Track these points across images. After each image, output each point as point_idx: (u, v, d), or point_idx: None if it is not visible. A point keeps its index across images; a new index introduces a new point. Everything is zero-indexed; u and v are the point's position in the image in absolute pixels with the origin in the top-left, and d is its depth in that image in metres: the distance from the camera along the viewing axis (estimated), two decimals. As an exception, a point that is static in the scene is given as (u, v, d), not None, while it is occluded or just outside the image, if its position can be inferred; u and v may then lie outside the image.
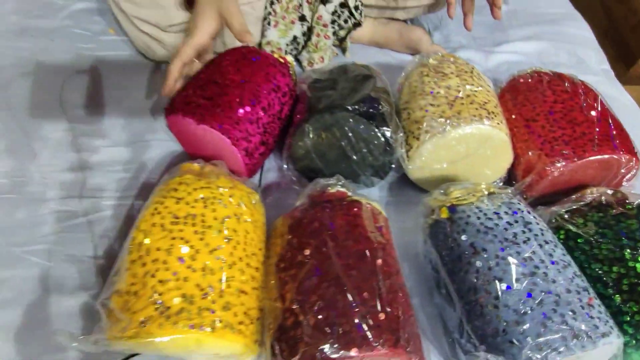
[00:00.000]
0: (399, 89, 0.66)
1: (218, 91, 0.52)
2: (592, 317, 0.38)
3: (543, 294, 0.39)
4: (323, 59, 0.80)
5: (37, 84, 0.73)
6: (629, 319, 0.42)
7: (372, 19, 0.85)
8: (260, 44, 0.76)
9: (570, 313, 0.38)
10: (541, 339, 0.36)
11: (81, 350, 0.33)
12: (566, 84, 0.60)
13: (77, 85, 0.73)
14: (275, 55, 0.63)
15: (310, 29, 0.77)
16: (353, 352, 0.34)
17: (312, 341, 0.34)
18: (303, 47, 0.79)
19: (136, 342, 0.34)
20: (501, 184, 0.61)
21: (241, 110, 0.51)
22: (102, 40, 0.83)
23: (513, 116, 0.61)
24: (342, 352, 0.33)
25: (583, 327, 0.37)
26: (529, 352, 0.36)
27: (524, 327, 0.37)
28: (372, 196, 0.63)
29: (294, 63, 0.67)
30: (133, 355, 0.39)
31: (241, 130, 0.51)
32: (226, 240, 0.40)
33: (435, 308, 0.50)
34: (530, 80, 0.63)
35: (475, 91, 0.57)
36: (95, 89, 0.74)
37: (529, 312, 0.38)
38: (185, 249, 0.38)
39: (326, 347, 0.33)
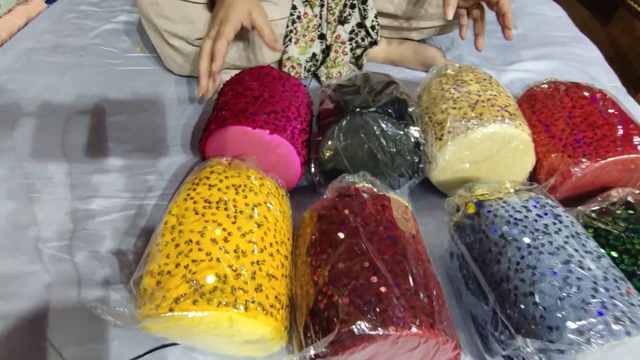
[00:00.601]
0: (417, 98, 0.68)
1: (276, 106, 0.53)
2: (632, 305, 0.37)
3: (580, 280, 0.38)
4: (340, 74, 0.83)
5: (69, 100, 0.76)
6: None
7: (387, 39, 0.89)
8: (281, 60, 0.80)
9: (610, 299, 0.37)
10: (582, 322, 0.35)
11: (116, 325, 0.32)
12: (584, 92, 0.61)
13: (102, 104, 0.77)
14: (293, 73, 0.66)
15: (328, 47, 0.81)
16: (391, 331, 0.33)
17: (349, 318, 0.33)
18: (321, 63, 0.82)
19: (170, 318, 0.33)
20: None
21: (299, 124, 0.53)
22: (129, 57, 0.87)
23: (532, 122, 0.62)
24: (379, 329, 0.32)
25: (626, 312, 0.36)
26: (570, 335, 0.35)
27: (563, 312, 0.36)
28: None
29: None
30: (166, 345, 0.39)
31: (298, 144, 0.53)
32: (257, 225, 0.40)
33: (465, 307, 0.49)
34: (547, 89, 0.65)
35: (495, 95, 0.58)
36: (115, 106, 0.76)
37: (567, 297, 0.37)
38: (218, 232, 0.38)
39: (363, 324, 0.33)
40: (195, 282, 0.34)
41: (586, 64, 0.91)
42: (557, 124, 0.59)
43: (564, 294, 0.37)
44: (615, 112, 0.57)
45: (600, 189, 0.56)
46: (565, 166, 0.55)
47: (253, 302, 0.35)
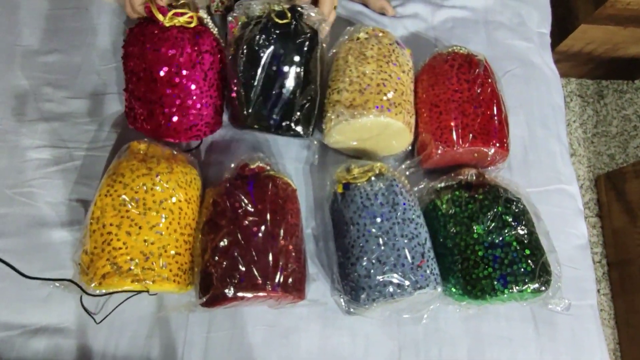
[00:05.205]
0: (331, 57, 0.72)
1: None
2: (415, 276, 0.55)
3: (388, 258, 0.56)
4: None
5: None
6: (454, 273, 0.61)
7: None
8: None
9: (400, 273, 0.55)
10: (376, 288, 0.54)
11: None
12: (471, 73, 0.68)
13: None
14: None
15: None
16: (244, 293, 0.52)
17: (219, 285, 0.52)
18: None
19: (101, 289, 0.51)
20: (408, 149, 0.72)
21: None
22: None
23: (424, 96, 0.70)
24: (238, 293, 0.51)
25: (406, 283, 0.55)
26: (364, 295, 0.55)
27: (368, 280, 0.55)
28: (302, 156, 0.75)
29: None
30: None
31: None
32: (163, 218, 0.54)
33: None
34: (445, 64, 0.70)
35: (386, 79, 0.65)
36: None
37: (374, 270, 0.55)
38: (131, 226, 0.53)
39: (227, 290, 0.51)
40: (115, 264, 0.51)
41: (522, 3, 0.91)
42: (439, 105, 0.68)
43: (374, 268, 0.56)
44: (486, 103, 0.66)
45: (461, 165, 0.69)
46: (430, 147, 0.67)
47: (159, 276, 0.52)
